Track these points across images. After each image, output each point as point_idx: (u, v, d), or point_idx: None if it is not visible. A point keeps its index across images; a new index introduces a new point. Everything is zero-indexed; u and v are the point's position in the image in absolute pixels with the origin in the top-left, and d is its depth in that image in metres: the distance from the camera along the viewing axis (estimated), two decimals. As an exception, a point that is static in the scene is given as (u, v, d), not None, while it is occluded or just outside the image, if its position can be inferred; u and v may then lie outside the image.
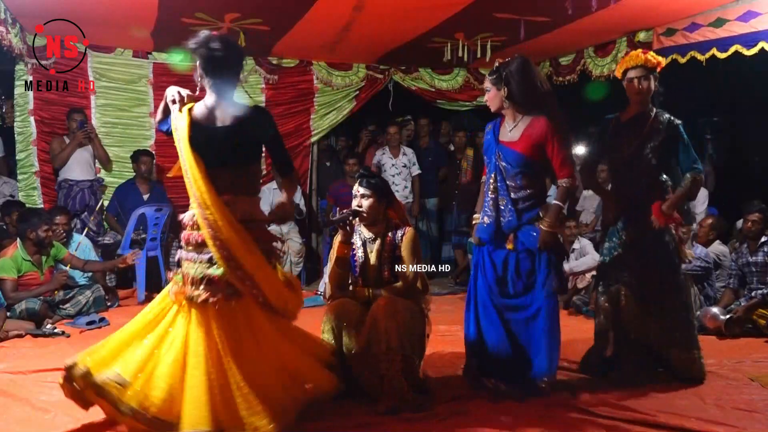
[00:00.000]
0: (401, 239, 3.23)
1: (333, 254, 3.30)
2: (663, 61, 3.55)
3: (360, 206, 3.23)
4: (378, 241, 3.27)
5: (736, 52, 4.83)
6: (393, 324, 2.99)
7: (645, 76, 3.46)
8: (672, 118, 3.49)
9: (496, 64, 3.34)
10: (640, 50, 3.59)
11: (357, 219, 3.24)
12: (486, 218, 3.34)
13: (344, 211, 3.24)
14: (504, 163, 3.29)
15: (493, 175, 3.33)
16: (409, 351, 3.04)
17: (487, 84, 3.35)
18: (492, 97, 3.33)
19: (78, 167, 6.01)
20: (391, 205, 3.33)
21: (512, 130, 3.31)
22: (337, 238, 3.27)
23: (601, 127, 3.70)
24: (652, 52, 3.54)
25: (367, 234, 3.31)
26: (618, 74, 3.60)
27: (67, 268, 5.08)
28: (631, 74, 3.48)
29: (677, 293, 3.53)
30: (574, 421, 2.95)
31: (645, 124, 3.49)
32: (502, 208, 3.29)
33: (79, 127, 5.97)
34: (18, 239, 4.90)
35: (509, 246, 3.27)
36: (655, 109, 3.51)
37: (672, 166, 3.55)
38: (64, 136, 6.05)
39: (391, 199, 3.32)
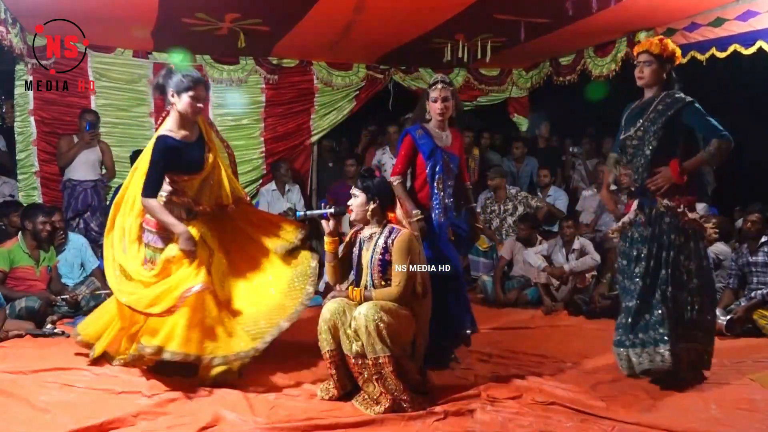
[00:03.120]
0: (393, 242, 3.20)
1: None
2: (672, 48, 3.43)
3: (350, 204, 3.28)
4: (372, 242, 3.27)
5: (735, 52, 4.83)
6: (375, 328, 2.97)
7: (649, 62, 3.42)
8: (682, 95, 3.37)
9: (445, 77, 3.84)
10: (657, 38, 3.52)
11: (338, 215, 3.36)
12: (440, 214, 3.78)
13: (331, 208, 3.37)
14: (452, 165, 3.82)
15: (441, 176, 3.75)
16: (397, 353, 3.03)
17: (449, 94, 3.78)
18: (451, 106, 3.79)
19: (83, 167, 5.99)
20: (390, 207, 3.31)
21: (445, 138, 3.84)
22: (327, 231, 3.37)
23: (623, 112, 3.63)
24: (668, 40, 3.48)
25: (364, 234, 3.32)
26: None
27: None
28: (638, 59, 3.48)
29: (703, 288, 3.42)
30: (573, 422, 2.95)
31: (651, 106, 3.42)
32: (448, 204, 3.80)
33: (87, 128, 5.95)
34: (20, 232, 4.96)
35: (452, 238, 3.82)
36: (663, 92, 3.42)
37: (679, 150, 3.39)
38: (74, 135, 6.02)
39: (388, 200, 3.30)
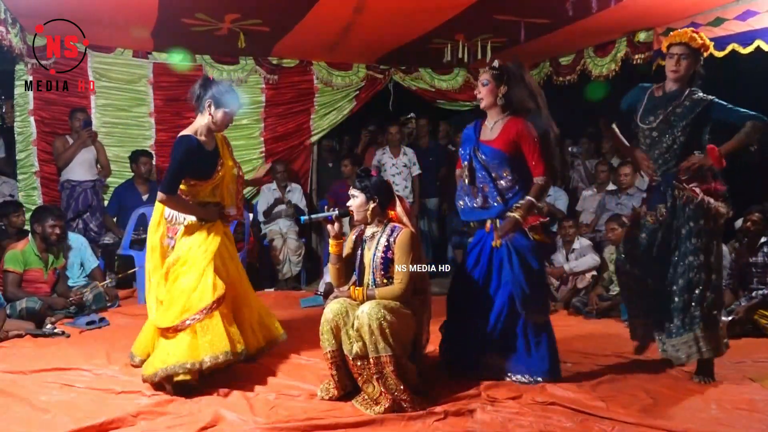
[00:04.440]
0: (395, 240, 3.22)
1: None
2: (708, 42, 3.46)
3: (350, 205, 3.28)
4: (374, 241, 3.27)
5: (733, 51, 4.83)
6: (378, 327, 2.98)
7: (686, 55, 3.40)
8: (702, 95, 3.42)
9: (496, 63, 3.48)
10: (690, 29, 3.52)
11: (341, 217, 3.31)
12: (461, 202, 3.56)
13: (331, 210, 3.34)
14: (483, 157, 3.46)
15: (466, 170, 3.50)
16: (398, 352, 3.04)
17: (486, 77, 3.46)
18: (489, 91, 3.45)
19: (80, 168, 5.99)
20: (390, 206, 3.32)
21: (492, 128, 3.49)
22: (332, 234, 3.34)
23: (635, 93, 3.61)
24: (702, 33, 3.48)
25: (366, 233, 3.32)
26: (663, 48, 3.54)
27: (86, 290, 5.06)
28: (673, 50, 3.43)
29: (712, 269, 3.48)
30: (572, 422, 2.95)
31: (676, 101, 3.43)
32: (487, 195, 3.46)
33: (83, 126, 5.96)
34: (30, 234, 4.99)
35: (495, 244, 3.44)
36: (689, 89, 3.44)
37: (703, 146, 3.47)
38: (67, 136, 6.02)
39: (388, 199, 3.30)
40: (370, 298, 3.14)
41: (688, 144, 3.46)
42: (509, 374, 3.44)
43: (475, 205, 3.51)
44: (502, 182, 3.43)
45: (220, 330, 3.32)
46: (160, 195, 3.44)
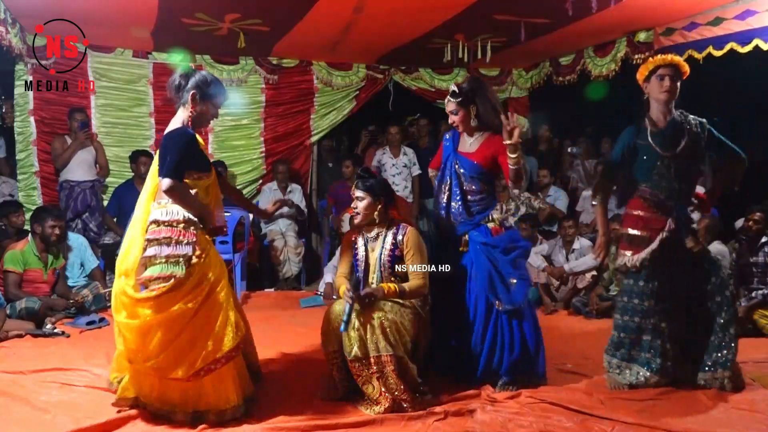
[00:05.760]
0: (403, 239, 3.24)
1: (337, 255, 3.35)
2: (688, 69, 3.40)
3: (356, 207, 3.29)
4: (379, 240, 3.28)
5: (732, 50, 4.84)
6: (379, 325, 3.00)
7: (675, 77, 3.32)
8: (697, 118, 3.38)
9: (455, 88, 3.50)
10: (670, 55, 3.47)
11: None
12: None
13: (350, 293, 3.05)
14: (462, 170, 3.52)
15: (448, 180, 3.57)
16: (400, 352, 3.04)
17: (453, 107, 3.51)
18: (462, 119, 3.51)
19: (79, 168, 5.99)
20: (392, 205, 3.33)
21: (471, 143, 3.55)
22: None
23: (625, 136, 3.45)
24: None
25: (369, 233, 3.32)
26: (641, 76, 3.40)
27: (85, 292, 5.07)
28: (662, 72, 3.33)
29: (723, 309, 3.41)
30: (572, 422, 2.95)
31: (682, 132, 3.33)
32: (454, 211, 3.55)
33: (80, 127, 5.96)
34: (30, 234, 5.00)
35: (463, 248, 3.50)
36: (678, 112, 3.37)
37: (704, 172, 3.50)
38: (65, 136, 6.03)
39: (391, 198, 3.32)
40: (401, 291, 3.14)
41: (694, 172, 3.44)
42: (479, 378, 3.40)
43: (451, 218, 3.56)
44: (470, 197, 3.50)
45: (231, 380, 2.94)
46: (166, 182, 2.86)
